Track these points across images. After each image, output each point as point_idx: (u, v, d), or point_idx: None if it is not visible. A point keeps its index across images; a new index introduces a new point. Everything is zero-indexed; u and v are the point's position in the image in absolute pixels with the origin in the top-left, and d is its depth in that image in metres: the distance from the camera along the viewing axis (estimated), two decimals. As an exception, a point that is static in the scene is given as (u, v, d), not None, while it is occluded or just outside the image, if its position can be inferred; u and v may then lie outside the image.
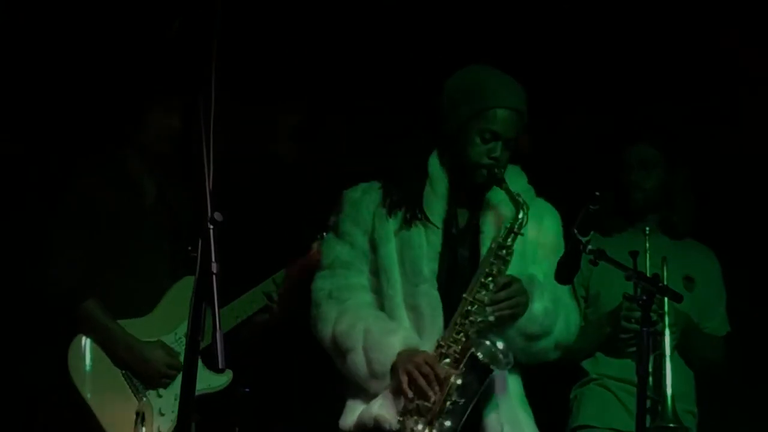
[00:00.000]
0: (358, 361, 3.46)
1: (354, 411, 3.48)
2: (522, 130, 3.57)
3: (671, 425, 3.89)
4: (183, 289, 3.86)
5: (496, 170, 3.50)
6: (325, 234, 3.87)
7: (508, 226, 3.48)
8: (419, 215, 3.55)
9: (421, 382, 3.34)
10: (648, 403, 3.55)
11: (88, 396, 3.74)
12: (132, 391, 3.81)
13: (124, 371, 3.82)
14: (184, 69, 3.81)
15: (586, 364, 4.11)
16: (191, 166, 2.79)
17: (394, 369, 3.41)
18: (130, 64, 4.19)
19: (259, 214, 4.58)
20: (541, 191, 3.68)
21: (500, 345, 3.37)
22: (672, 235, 4.19)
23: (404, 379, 3.36)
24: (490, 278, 3.44)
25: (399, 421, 3.37)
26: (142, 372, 3.82)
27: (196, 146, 2.77)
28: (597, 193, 3.20)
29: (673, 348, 3.99)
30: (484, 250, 3.52)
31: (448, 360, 3.39)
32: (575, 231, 3.25)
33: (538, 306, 3.46)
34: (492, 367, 3.34)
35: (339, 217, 3.65)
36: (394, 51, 4.78)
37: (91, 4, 4.47)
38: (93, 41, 4.49)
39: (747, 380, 4.55)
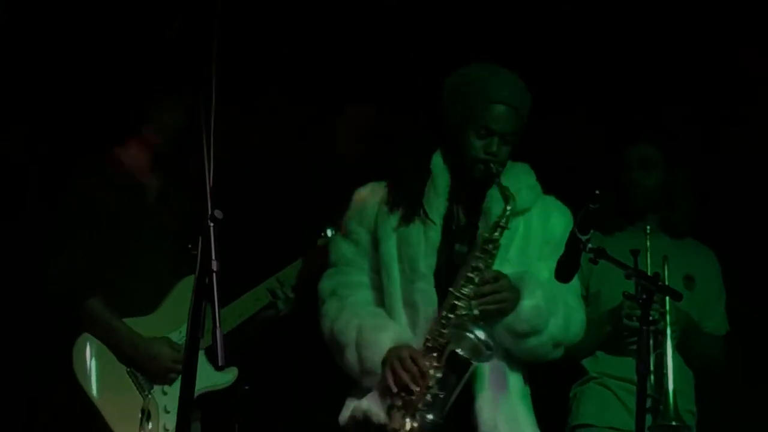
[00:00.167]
0: (351, 357, 3.53)
1: (350, 405, 3.56)
2: (522, 127, 3.58)
3: (673, 423, 3.90)
4: (186, 289, 3.81)
5: (491, 165, 3.52)
6: (328, 232, 3.96)
7: (495, 220, 3.50)
8: (419, 212, 3.58)
9: (404, 376, 3.40)
10: (648, 401, 3.55)
11: (93, 394, 3.74)
12: (137, 389, 3.81)
13: (128, 369, 3.82)
14: (187, 67, 3.80)
15: (586, 362, 4.11)
16: (194, 164, 2.80)
17: (383, 365, 3.47)
18: (133, 62, 4.18)
19: (262, 211, 4.60)
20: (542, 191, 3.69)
21: (481, 335, 3.38)
22: (672, 234, 4.19)
23: (389, 374, 3.43)
24: (476, 272, 3.47)
25: (387, 414, 3.43)
26: (147, 368, 3.82)
27: (197, 145, 2.78)
28: (597, 192, 3.20)
29: (674, 347, 3.99)
30: (497, 251, 3.53)
31: (435, 354, 3.43)
32: (575, 230, 3.25)
33: (526, 303, 3.48)
34: (472, 360, 3.37)
35: (346, 215, 3.71)
36: (393, 51, 4.79)
37: (92, 3, 4.48)
38: (95, 40, 4.49)
39: (746, 379, 4.55)
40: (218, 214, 2.75)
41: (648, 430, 3.62)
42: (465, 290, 3.46)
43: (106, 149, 4.01)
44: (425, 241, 3.56)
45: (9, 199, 4.46)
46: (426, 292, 3.52)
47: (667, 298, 3.86)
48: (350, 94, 4.85)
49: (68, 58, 4.51)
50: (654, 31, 4.74)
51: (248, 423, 4.11)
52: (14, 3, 4.47)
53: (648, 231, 4.04)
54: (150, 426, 3.69)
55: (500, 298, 3.46)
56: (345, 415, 3.56)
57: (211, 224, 2.75)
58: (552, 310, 3.52)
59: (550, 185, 3.73)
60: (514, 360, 3.59)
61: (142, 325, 3.86)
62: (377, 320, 3.56)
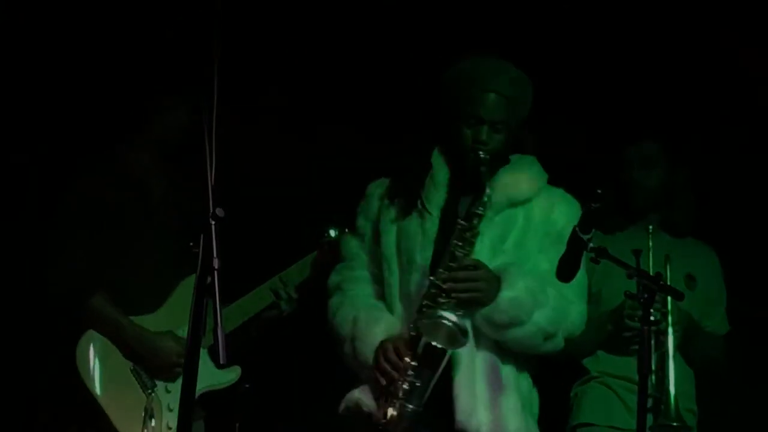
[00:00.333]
0: (348, 350, 3.62)
1: (347, 396, 3.62)
2: (517, 118, 3.56)
3: (674, 424, 3.89)
4: (190, 287, 3.79)
5: (480, 153, 3.52)
6: (332, 232, 4.01)
7: (470, 208, 3.53)
8: (418, 205, 3.62)
9: (384, 366, 3.46)
10: (649, 401, 3.55)
11: (96, 392, 3.73)
12: (140, 387, 3.81)
13: (132, 367, 3.82)
14: (189, 66, 3.80)
15: (587, 362, 4.10)
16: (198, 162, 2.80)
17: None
18: (136, 61, 4.18)
19: (265, 211, 4.61)
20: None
21: (452, 318, 3.41)
22: (673, 233, 4.19)
23: (374, 366, 3.50)
24: (455, 262, 3.50)
25: (376, 405, 3.49)
26: (153, 363, 3.82)
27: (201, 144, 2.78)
28: (598, 191, 3.20)
29: (676, 347, 3.99)
30: (476, 238, 3.54)
31: (414, 344, 3.46)
32: (577, 229, 3.25)
33: (505, 295, 3.49)
34: (447, 347, 3.39)
35: (357, 211, 3.78)
36: (393, 51, 4.79)
37: (95, 1, 4.48)
38: (98, 39, 4.49)
39: (747, 379, 4.55)
40: (220, 212, 2.76)
41: (649, 430, 3.62)
42: (443, 279, 3.49)
43: (109, 148, 4.00)
44: (422, 233, 3.60)
45: (11, 199, 4.46)
46: (421, 284, 3.56)
47: (669, 297, 3.86)
48: (352, 94, 4.85)
49: (71, 56, 4.51)
50: (654, 30, 4.74)
51: (249, 421, 4.12)
52: (16, 2, 4.47)
53: (650, 230, 4.04)
54: (153, 424, 3.68)
55: (474, 287, 3.48)
56: (342, 405, 3.62)
57: (213, 222, 2.75)
58: (539, 301, 3.52)
59: (552, 183, 3.73)
60: (521, 361, 3.60)
61: (145, 324, 3.85)
62: (372, 313, 3.62)
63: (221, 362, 2.72)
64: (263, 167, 4.76)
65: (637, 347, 3.63)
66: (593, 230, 3.25)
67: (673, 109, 4.67)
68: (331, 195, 4.45)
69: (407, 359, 3.42)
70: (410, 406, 3.41)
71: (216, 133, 2.80)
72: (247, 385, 3.98)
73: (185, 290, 3.87)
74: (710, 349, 4.12)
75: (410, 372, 3.41)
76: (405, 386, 3.41)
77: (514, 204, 3.60)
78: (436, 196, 3.64)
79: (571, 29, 4.77)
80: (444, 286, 3.47)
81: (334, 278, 3.77)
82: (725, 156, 4.76)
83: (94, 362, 3.76)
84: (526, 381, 3.64)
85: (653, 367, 3.87)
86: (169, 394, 3.83)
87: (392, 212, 3.67)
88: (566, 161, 4.56)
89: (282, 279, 4.07)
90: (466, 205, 3.61)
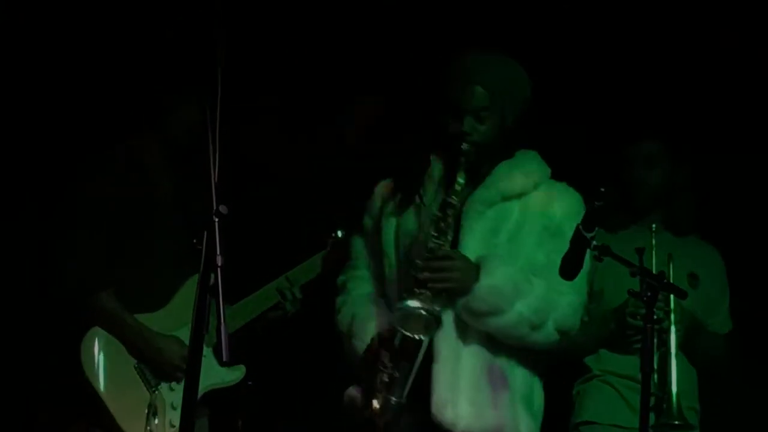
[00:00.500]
0: (347, 347, 3.65)
1: (346, 392, 3.64)
2: (504, 109, 3.58)
3: (676, 422, 3.89)
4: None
5: (462, 145, 3.54)
6: (339, 233, 4.06)
7: (444, 198, 3.54)
8: (416, 200, 3.63)
9: (368, 360, 3.50)
10: (651, 400, 3.55)
11: (100, 389, 3.73)
12: (144, 385, 3.81)
13: (136, 365, 3.82)
14: (194, 64, 3.81)
15: (588, 360, 4.11)
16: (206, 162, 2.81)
17: None
18: (140, 60, 4.18)
19: (273, 210, 4.61)
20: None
21: (414, 304, 3.41)
22: (675, 232, 4.19)
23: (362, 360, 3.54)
24: (431, 253, 3.50)
25: (368, 398, 3.50)
26: (157, 363, 3.82)
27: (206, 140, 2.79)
28: (602, 189, 3.20)
29: (679, 345, 3.99)
30: (450, 228, 3.55)
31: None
32: (580, 227, 3.25)
33: (483, 283, 3.47)
34: (420, 336, 3.40)
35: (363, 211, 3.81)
36: (393, 51, 4.79)
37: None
38: (102, 37, 4.50)
39: (750, 378, 4.55)
40: (223, 209, 2.76)
41: (651, 429, 3.62)
42: (420, 270, 3.50)
43: (117, 146, 4.00)
44: (418, 228, 3.61)
45: (18, 196, 4.46)
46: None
47: (672, 296, 3.86)
48: (355, 93, 4.86)
49: (84, 51, 4.51)
50: (656, 29, 4.74)
51: (252, 419, 4.13)
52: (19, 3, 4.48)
53: (654, 229, 4.04)
54: (156, 421, 3.69)
55: (448, 277, 3.47)
56: (344, 401, 3.64)
57: (216, 219, 2.76)
58: (521, 291, 3.50)
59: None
60: (521, 356, 3.59)
61: (151, 321, 3.86)
62: (368, 310, 3.64)
63: (224, 359, 2.71)
64: (273, 167, 4.77)
65: (639, 346, 3.63)
66: (596, 228, 3.24)
67: (675, 107, 4.66)
68: (333, 195, 4.46)
69: (384, 351, 3.45)
70: (393, 398, 3.42)
71: (220, 131, 2.81)
72: (250, 383, 3.99)
73: (191, 289, 3.83)
74: (713, 347, 4.12)
75: (389, 364, 3.43)
76: (385, 378, 3.43)
77: (507, 197, 3.59)
78: (432, 192, 3.64)
79: (572, 28, 4.77)
80: (420, 277, 3.47)
81: (340, 278, 3.79)
82: (726, 155, 4.75)
83: (99, 359, 3.76)
84: (524, 377, 3.61)
85: (655, 366, 3.87)
86: (173, 392, 3.83)
87: (392, 209, 3.69)
88: (567, 160, 4.59)
89: (288, 279, 4.08)
90: (468, 201, 3.61)
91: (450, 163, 3.62)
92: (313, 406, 4.58)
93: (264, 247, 4.40)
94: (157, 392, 3.81)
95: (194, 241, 2.81)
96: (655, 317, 3.30)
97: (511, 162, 3.66)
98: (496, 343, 3.56)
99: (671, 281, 3.77)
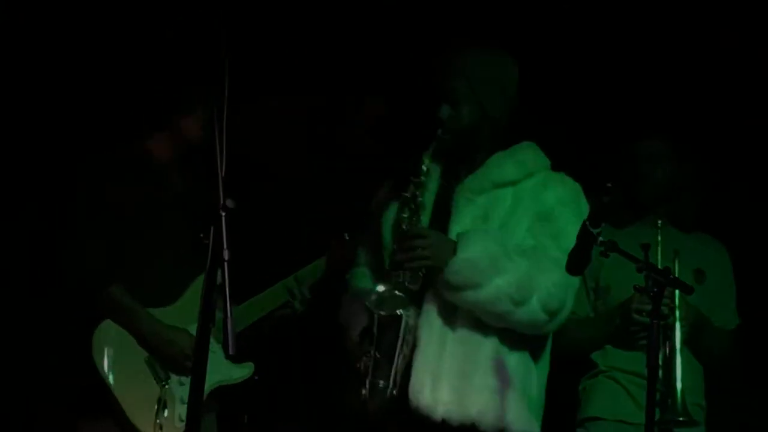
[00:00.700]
0: (343, 341, 3.63)
1: None
2: (483, 97, 3.58)
3: (681, 418, 3.90)
4: None
5: (438, 131, 3.56)
6: (346, 236, 4.08)
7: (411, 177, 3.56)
8: (405, 193, 3.61)
9: (353, 348, 3.53)
10: (657, 396, 3.54)
11: (110, 381, 3.74)
12: (154, 378, 3.81)
13: (147, 358, 3.82)
14: (198, 64, 3.81)
15: (595, 356, 4.11)
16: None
17: None
18: (158, 55, 4.18)
19: (283, 209, 4.62)
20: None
21: (382, 288, 3.45)
22: (681, 228, 4.19)
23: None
24: (402, 234, 3.52)
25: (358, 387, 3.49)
26: (168, 355, 3.82)
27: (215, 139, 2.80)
28: (609, 185, 3.20)
29: (684, 341, 3.99)
30: (453, 221, 3.57)
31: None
32: (587, 223, 3.24)
33: (459, 257, 3.45)
34: (389, 313, 3.42)
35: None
36: (393, 51, 4.80)
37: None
38: (104, 37, 4.50)
39: (756, 374, 4.55)
40: (230, 203, 2.76)
41: (657, 424, 3.61)
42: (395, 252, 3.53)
43: (128, 144, 3.99)
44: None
45: (29, 191, 4.46)
46: None
47: (677, 292, 3.86)
48: (355, 93, 4.86)
49: (82, 53, 4.51)
50: (659, 26, 4.74)
51: (257, 413, 4.13)
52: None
53: (659, 225, 4.04)
54: (166, 415, 3.69)
55: (421, 254, 3.46)
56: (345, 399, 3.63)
57: (223, 214, 2.75)
58: (500, 267, 3.45)
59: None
60: (524, 351, 3.58)
61: (162, 317, 3.86)
62: (361, 303, 3.61)
63: (230, 352, 2.71)
64: (282, 167, 4.78)
65: (644, 342, 3.63)
66: (603, 224, 3.24)
67: (681, 103, 4.67)
68: (333, 196, 4.46)
69: (366, 338, 3.47)
70: (381, 382, 3.41)
71: (227, 131, 2.81)
72: (256, 377, 3.99)
73: (201, 286, 3.86)
74: (718, 343, 4.12)
75: (370, 347, 3.43)
76: (369, 363, 3.43)
77: (499, 185, 3.59)
78: (431, 183, 3.63)
79: (573, 28, 4.78)
80: (395, 259, 3.48)
81: (347, 276, 3.80)
82: (727, 155, 4.76)
83: (110, 352, 3.77)
84: (518, 365, 3.55)
85: (660, 362, 3.87)
86: (182, 387, 3.82)
87: (390, 205, 3.69)
88: (571, 158, 4.59)
89: (297, 278, 4.08)
90: (457, 189, 3.61)
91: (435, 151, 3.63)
92: (317, 405, 4.58)
93: (264, 247, 4.39)
94: (167, 386, 3.81)
95: (201, 235, 2.79)
96: (660, 313, 3.30)
97: (506, 152, 3.66)
98: (487, 330, 3.51)
99: (677, 277, 3.76)
